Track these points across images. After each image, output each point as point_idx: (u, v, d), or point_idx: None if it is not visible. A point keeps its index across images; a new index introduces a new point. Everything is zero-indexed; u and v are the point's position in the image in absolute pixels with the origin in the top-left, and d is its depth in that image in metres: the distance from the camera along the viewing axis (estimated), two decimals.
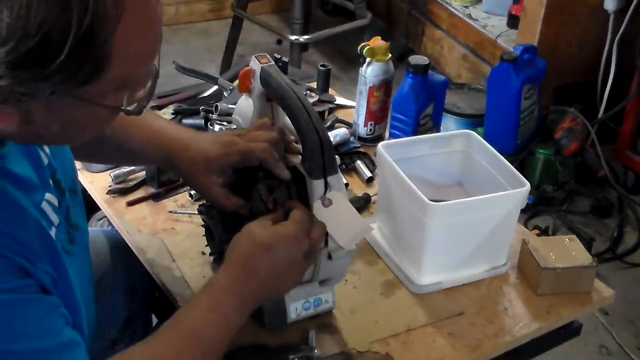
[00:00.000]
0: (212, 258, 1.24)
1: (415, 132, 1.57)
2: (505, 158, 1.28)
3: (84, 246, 1.01)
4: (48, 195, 0.89)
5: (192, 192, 1.40)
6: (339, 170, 1.03)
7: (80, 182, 1.39)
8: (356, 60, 1.68)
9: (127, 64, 0.75)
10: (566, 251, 1.27)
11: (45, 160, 0.92)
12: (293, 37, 3.13)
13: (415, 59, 1.58)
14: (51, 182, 0.92)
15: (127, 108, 0.82)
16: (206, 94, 1.69)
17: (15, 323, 0.78)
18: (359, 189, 1.47)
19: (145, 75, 0.82)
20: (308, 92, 1.71)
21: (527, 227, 2.19)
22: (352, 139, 1.61)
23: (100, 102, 0.77)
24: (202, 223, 1.20)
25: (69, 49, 0.69)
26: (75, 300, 0.89)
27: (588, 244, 2.37)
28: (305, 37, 3.18)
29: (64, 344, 0.83)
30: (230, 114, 1.48)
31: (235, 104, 1.23)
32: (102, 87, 0.75)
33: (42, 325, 0.81)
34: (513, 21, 3.03)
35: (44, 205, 0.87)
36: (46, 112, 0.75)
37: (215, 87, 1.68)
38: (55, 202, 0.90)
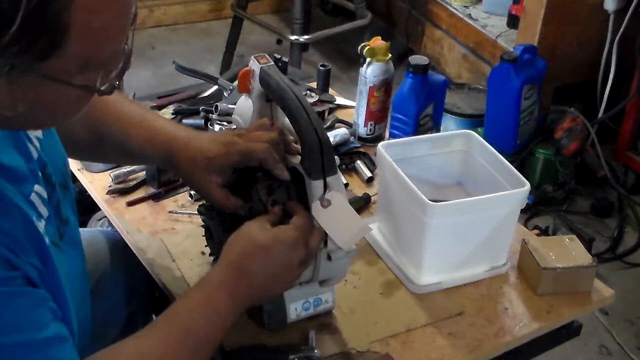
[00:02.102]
0: (212, 258, 1.24)
1: (415, 132, 1.57)
2: (505, 158, 1.28)
3: (74, 243, 0.99)
4: (37, 187, 0.87)
5: (192, 192, 1.40)
6: (338, 170, 1.03)
7: (74, 179, 1.40)
8: (356, 60, 1.68)
9: (91, 39, 0.73)
10: (566, 251, 1.26)
11: (35, 154, 0.91)
12: (293, 37, 3.13)
13: (415, 59, 1.58)
14: (40, 175, 0.91)
15: (99, 87, 0.79)
16: (206, 94, 1.69)
17: (1, 316, 0.77)
18: (359, 189, 1.47)
19: (115, 54, 0.79)
20: (308, 92, 1.70)
21: (527, 227, 2.19)
22: (352, 139, 1.61)
23: (66, 79, 0.75)
24: (202, 223, 1.20)
25: (21, 20, 0.67)
26: (63, 296, 0.88)
27: (588, 244, 2.36)
28: (305, 37, 3.17)
29: (51, 338, 0.82)
30: (230, 114, 1.48)
31: (235, 104, 1.23)
32: (66, 63, 0.73)
33: (28, 318, 0.80)
34: (513, 21, 3.02)
35: (33, 196, 0.86)
36: (10, 91, 0.73)
37: (215, 87, 1.68)
38: (45, 195, 0.89)
